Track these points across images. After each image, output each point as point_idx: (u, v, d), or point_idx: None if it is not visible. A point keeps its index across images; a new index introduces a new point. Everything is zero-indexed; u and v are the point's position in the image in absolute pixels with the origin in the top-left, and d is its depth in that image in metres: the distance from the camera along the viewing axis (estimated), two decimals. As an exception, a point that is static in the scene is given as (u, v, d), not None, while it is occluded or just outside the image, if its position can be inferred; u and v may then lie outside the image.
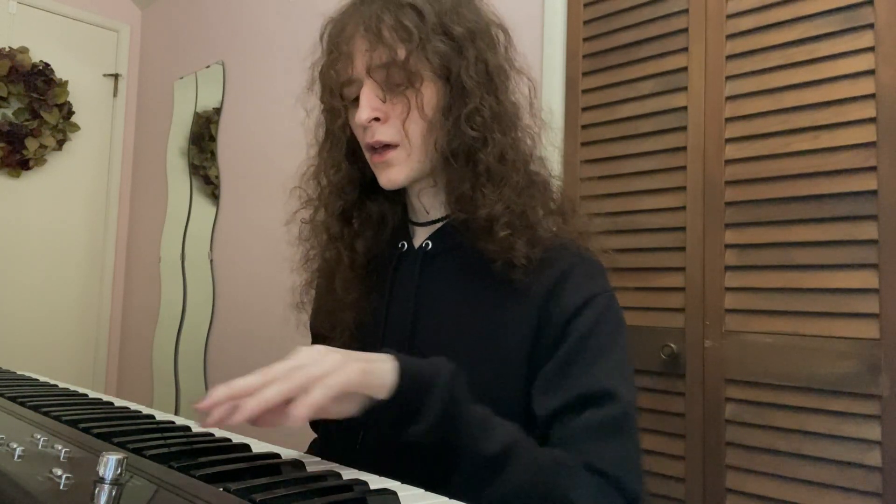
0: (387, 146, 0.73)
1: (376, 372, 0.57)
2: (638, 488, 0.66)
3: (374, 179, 0.79)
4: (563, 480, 0.62)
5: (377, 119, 0.72)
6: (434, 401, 0.58)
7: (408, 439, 0.58)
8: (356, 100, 0.73)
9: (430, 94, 0.73)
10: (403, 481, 0.54)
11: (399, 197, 0.84)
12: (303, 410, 0.51)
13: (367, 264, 0.82)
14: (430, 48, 0.71)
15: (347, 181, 0.81)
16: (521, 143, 0.76)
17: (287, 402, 0.53)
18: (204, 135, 2.75)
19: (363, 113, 0.71)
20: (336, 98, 0.76)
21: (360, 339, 0.81)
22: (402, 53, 0.70)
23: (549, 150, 0.84)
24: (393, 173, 0.74)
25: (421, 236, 0.81)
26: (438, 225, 0.80)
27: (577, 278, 0.72)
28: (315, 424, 0.90)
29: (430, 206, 0.81)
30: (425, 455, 0.58)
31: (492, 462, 0.59)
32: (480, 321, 0.73)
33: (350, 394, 0.56)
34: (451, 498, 0.49)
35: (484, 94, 0.73)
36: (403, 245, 0.81)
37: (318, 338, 0.89)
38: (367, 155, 0.76)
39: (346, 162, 0.80)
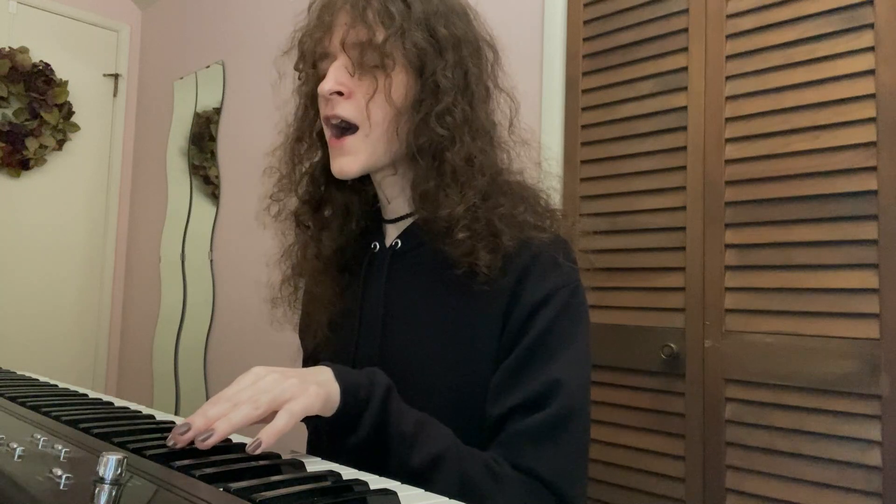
0: (346, 129, 0.73)
1: (331, 395, 0.60)
2: (573, 492, 0.67)
3: None
4: (491, 487, 0.64)
5: (340, 94, 0.72)
6: (367, 416, 0.62)
7: (344, 448, 0.62)
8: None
9: (399, 82, 0.73)
10: None
11: (367, 190, 0.84)
12: (270, 439, 0.54)
13: (335, 257, 0.82)
14: (408, 38, 0.71)
15: (318, 163, 0.82)
16: (492, 152, 0.76)
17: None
18: (204, 135, 2.75)
19: (326, 84, 0.71)
20: (309, 67, 0.77)
21: (335, 340, 0.81)
22: (380, 36, 0.71)
23: (535, 169, 0.84)
24: (346, 163, 0.73)
25: (392, 235, 0.81)
26: (409, 222, 0.80)
27: (538, 273, 0.72)
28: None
29: (392, 198, 0.80)
30: (360, 461, 0.61)
31: (417, 473, 0.61)
32: (448, 320, 0.73)
33: None
34: None
35: (457, 97, 0.73)
36: (376, 246, 0.81)
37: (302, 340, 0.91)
38: (327, 135, 0.76)
39: (317, 139, 0.81)
